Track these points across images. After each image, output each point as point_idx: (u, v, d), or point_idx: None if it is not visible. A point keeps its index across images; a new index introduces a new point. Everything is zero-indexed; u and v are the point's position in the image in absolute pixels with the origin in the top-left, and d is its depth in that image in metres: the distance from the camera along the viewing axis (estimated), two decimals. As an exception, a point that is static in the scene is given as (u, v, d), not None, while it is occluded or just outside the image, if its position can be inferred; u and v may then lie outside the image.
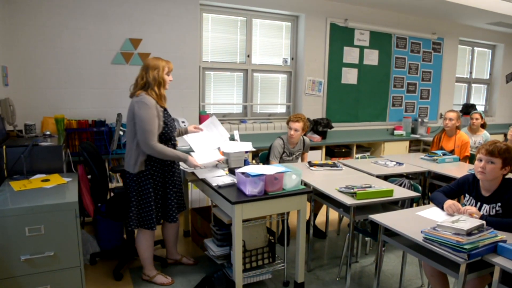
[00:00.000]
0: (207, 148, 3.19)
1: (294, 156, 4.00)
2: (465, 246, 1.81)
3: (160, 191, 2.84)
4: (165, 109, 2.80)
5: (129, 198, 2.79)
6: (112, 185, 3.83)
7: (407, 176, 3.60)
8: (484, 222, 2.02)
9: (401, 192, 2.89)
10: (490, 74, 7.88)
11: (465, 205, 2.49)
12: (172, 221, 2.93)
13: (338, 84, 5.75)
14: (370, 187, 2.86)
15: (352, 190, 2.76)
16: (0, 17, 3.55)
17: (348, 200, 2.67)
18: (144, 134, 2.60)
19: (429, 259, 2.07)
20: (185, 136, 3.22)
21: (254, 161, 3.91)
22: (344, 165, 3.82)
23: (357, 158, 4.66)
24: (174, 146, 2.90)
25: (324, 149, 5.25)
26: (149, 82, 2.69)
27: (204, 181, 2.93)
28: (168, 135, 2.79)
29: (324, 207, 3.94)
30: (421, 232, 2.03)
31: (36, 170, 2.83)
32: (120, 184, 3.95)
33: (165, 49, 4.45)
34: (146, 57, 4.36)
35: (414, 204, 3.07)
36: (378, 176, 3.40)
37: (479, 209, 2.37)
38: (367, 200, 2.69)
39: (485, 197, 2.36)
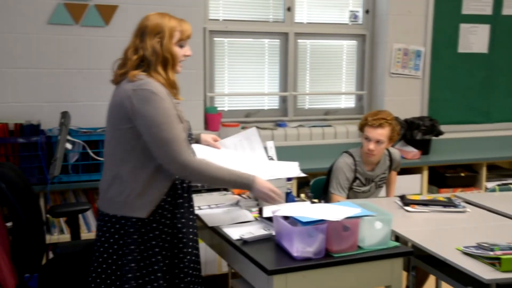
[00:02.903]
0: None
1: (373, 184, 2.99)
2: None
3: (169, 252, 1.87)
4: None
5: (126, 261, 1.79)
6: (51, 239, 2.72)
7: None
8: None
9: None
10: None
11: None
12: None
13: (452, 55, 4.08)
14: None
15: (490, 253, 1.95)
16: None
17: (483, 272, 1.85)
18: (167, 146, 1.71)
19: None
20: (193, 145, 2.20)
21: (303, 195, 2.86)
22: (468, 202, 2.82)
23: (491, 189, 3.45)
24: None
25: (426, 173, 3.88)
26: (147, 57, 1.73)
27: (215, 230, 2.07)
28: None
29: (432, 280, 2.93)
30: None
31: None
32: (66, 236, 2.80)
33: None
34: (110, 12, 3.00)
35: None
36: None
37: None
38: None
39: None
